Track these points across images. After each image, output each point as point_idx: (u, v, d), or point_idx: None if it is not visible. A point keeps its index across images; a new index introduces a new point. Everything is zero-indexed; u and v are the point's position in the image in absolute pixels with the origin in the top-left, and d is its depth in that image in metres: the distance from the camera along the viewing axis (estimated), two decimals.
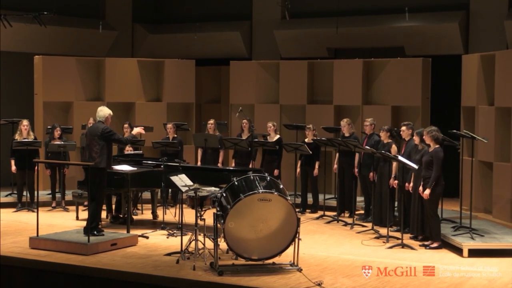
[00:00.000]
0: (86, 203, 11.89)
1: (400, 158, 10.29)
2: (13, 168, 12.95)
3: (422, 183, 10.10)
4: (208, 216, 9.13)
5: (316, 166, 12.81)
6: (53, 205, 13.29)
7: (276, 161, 12.95)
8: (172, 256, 9.30)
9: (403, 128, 11.11)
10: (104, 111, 10.32)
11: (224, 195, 8.82)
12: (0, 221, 11.24)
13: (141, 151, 12.98)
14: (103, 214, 11.33)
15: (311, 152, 12.55)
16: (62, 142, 12.98)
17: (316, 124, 13.38)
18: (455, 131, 11.43)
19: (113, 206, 12.04)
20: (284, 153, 13.00)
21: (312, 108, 14.77)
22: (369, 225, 11.48)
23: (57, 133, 13.05)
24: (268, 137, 13.13)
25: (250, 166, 12.45)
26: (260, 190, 8.59)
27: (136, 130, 10.80)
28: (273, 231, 8.62)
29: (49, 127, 13.69)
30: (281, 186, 8.85)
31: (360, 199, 12.66)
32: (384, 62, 14.35)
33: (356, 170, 12.18)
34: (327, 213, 12.50)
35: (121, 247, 9.89)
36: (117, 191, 11.45)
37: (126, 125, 13.23)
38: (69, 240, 9.75)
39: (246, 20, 16.97)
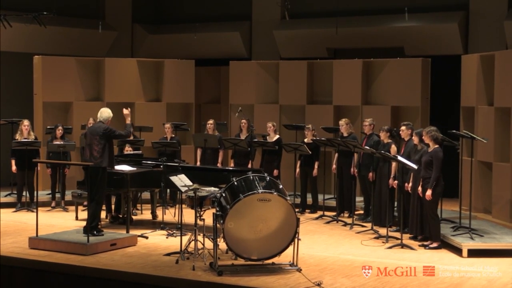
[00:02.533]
0: (85, 203, 11.88)
1: (399, 158, 10.29)
2: (14, 168, 12.95)
3: (421, 183, 10.11)
4: (208, 216, 9.14)
5: (316, 166, 12.81)
6: (53, 205, 13.29)
7: (276, 161, 12.94)
8: (171, 256, 9.29)
9: (403, 128, 11.11)
10: (108, 113, 10.40)
11: (224, 195, 8.82)
12: (0, 221, 11.25)
13: (140, 151, 12.98)
14: (103, 214, 11.33)
15: (310, 152, 12.54)
16: (62, 142, 12.99)
17: (316, 124, 13.38)
18: (454, 131, 11.43)
19: (113, 206, 12.04)
20: (284, 153, 12.99)
21: (311, 108, 14.76)
22: (369, 225, 11.48)
23: (59, 132, 13.07)
24: (267, 137, 13.13)
25: (249, 166, 12.44)
26: (260, 190, 8.59)
27: (125, 112, 10.75)
28: (273, 231, 8.62)
29: (48, 127, 13.70)
30: (281, 186, 8.85)
31: (359, 199, 12.66)
32: (384, 62, 14.35)
33: (353, 170, 12.19)
34: (326, 213, 12.50)
35: (121, 247, 9.89)
36: (117, 191, 11.45)
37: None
38: (69, 240, 9.75)
39: (246, 20, 16.97)
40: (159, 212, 12.17)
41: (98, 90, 15.28)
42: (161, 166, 10.77)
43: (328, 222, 12.09)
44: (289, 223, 8.62)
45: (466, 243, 9.72)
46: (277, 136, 13.06)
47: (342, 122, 12.62)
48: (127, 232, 10.65)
